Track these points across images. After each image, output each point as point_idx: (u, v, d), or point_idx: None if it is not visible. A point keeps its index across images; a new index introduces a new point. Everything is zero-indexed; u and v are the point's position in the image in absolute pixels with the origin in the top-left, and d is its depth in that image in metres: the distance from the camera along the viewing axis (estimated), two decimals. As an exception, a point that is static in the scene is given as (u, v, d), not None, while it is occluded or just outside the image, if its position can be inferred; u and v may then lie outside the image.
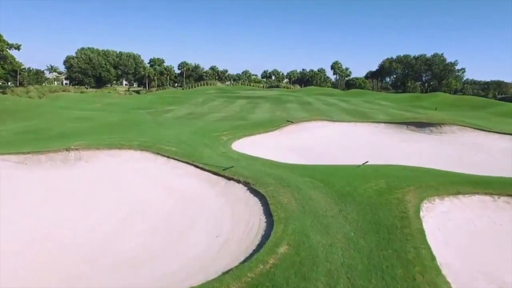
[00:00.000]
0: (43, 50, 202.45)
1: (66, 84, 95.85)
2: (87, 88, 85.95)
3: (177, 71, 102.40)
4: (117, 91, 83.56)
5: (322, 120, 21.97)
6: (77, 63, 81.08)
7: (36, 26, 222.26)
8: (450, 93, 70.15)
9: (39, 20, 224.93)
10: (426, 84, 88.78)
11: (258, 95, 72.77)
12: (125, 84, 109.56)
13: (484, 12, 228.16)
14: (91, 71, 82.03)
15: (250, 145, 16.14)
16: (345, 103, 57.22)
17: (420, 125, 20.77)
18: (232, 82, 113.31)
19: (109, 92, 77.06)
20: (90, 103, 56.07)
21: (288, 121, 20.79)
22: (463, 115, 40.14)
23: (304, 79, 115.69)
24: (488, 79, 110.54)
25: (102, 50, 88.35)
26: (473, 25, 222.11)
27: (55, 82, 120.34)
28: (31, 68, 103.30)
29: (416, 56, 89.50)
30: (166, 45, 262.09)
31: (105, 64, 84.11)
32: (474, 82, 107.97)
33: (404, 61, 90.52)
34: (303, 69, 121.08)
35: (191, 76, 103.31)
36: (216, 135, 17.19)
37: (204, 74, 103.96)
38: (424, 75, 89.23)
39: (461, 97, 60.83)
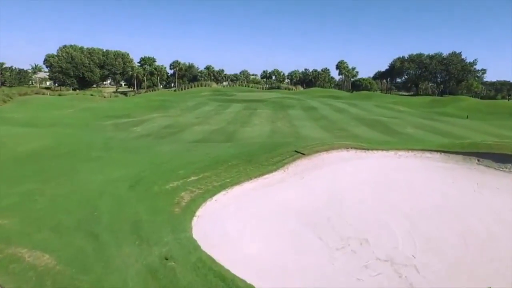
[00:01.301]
0: (29, 48, 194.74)
1: (56, 85, 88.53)
2: (74, 90, 78.80)
3: (170, 71, 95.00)
4: (102, 93, 76.36)
5: (348, 148, 14.58)
6: (57, 62, 73.58)
7: (22, 23, 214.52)
8: (470, 96, 62.92)
9: (25, 16, 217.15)
10: (442, 85, 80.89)
11: (257, 98, 65.52)
12: (120, 85, 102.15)
13: (487, 11, 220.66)
14: (73, 71, 74.50)
15: (230, 216, 8.81)
16: (356, 108, 49.98)
17: (501, 158, 13.47)
18: (229, 82, 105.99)
19: (91, 95, 69.76)
20: (62, 108, 48.83)
21: (298, 152, 13.49)
22: (506, 126, 32.94)
23: (307, 80, 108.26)
24: (493, 80, 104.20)
25: (87, 48, 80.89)
26: (473, 23, 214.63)
27: (47, 83, 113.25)
28: (13, 68, 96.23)
29: (431, 55, 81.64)
30: (160, 43, 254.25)
31: (89, 64, 76.58)
32: (481, 83, 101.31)
33: (417, 61, 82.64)
34: (305, 69, 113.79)
35: (185, 76, 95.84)
36: (174, 186, 9.91)
37: (199, 74, 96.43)
38: (439, 76, 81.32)
39: (492, 102, 53.42)
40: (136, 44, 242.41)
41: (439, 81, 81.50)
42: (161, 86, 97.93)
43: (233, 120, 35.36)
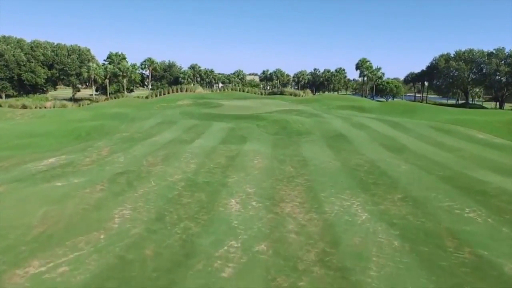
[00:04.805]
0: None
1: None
2: (9, 97, 59.89)
3: (145, 72, 75.54)
4: (44, 102, 57.13)
5: None
6: (-20, 60, 54.35)
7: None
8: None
9: None
10: (503, 93, 60.55)
11: (251, 111, 45.35)
12: (78, 90, 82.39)
13: None
14: (3, 72, 55.25)
15: None
16: (409, 136, 29.49)
17: None
18: (221, 85, 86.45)
19: (23, 106, 50.85)
20: None
21: None
22: None
23: (317, 82, 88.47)
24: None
25: (30, 42, 61.56)
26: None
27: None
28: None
29: (489, 51, 61.25)
30: (144, 40, 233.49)
31: (29, 62, 57.26)
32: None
33: (468, 59, 62.57)
34: (315, 69, 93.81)
35: (164, 78, 76.52)
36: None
37: (181, 75, 77.05)
38: (500, 78, 60.60)
39: None
40: (115, 42, 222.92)
41: (498, 86, 61.03)
42: (126, 91, 78.41)
43: (189, 188, 15.32)
